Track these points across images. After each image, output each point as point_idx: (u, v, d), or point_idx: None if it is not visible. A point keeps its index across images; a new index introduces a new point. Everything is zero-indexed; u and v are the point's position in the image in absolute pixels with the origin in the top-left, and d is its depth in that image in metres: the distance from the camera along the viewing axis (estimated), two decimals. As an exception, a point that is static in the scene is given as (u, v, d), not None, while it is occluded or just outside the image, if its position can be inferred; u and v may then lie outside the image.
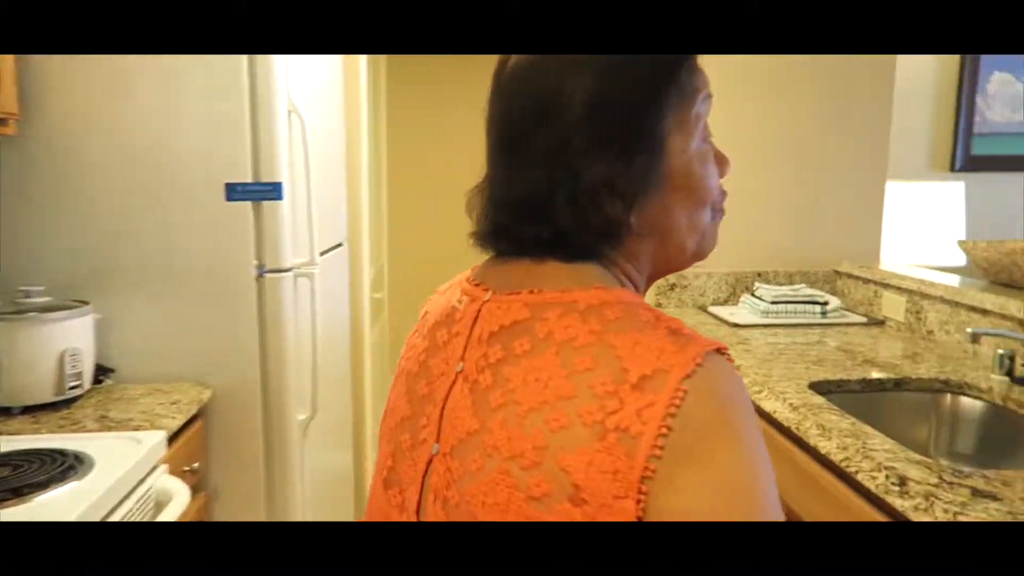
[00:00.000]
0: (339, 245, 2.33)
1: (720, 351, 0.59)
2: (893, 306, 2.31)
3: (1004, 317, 1.81)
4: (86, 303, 1.59)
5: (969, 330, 1.52)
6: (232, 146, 1.63)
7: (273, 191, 1.65)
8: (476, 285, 0.70)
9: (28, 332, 1.47)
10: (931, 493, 1.11)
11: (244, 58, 1.61)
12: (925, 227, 3.49)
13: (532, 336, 0.61)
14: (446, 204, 3.59)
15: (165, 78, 1.61)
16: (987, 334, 1.53)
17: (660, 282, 2.59)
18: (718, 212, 0.73)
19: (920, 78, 3.57)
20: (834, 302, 2.38)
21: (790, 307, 2.36)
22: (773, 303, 2.37)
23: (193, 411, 1.60)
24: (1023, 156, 3.59)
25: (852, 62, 2.56)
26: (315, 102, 1.95)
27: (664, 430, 0.54)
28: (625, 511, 0.54)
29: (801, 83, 2.57)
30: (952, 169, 3.62)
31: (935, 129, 3.62)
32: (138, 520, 1.26)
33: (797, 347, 2.03)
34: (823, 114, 2.59)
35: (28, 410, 1.51)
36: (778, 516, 0.56)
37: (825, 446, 1.37)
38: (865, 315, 2.41)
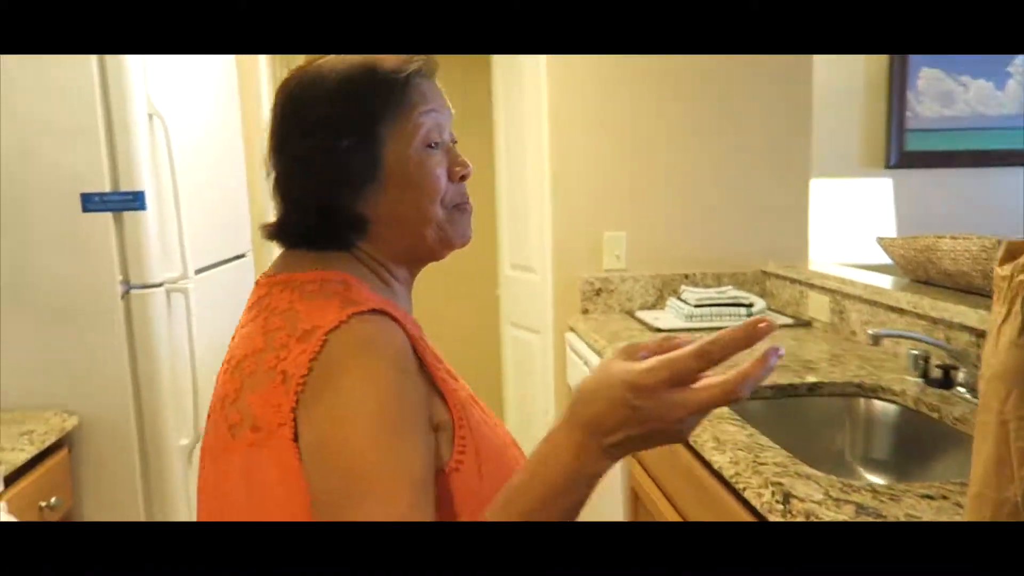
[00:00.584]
0: (241, 256, 2.21)
1: (376, 311, 0.74)
2: (818, 306, 2.24)
3: (919, 316, 1.75)
4: (-74, 328, 1.46)
5: (870, 331, 1.45)
6: (86, 154, 1.51)
7: (134, 200, 1.53)
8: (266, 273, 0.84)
9: None
10: (812, 512, 1.02)
11: (93, 58, 1.49)
12: (858, 224, 3.44)
13: (259, 308, 0.78)
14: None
15: (7, 83, 1.49)
16: (888, 335, 1.46)
17: (586, 288, 2.50)
18: (457, 208, 0.84)
19: (851, 74, 3.54)
20: (759, 304, 2.31)
21: (714, 310, 2.28)
22: (697, 306, 2.29)
23: (50, 441, 1.48)
24: (954, 152, 3.57)
25: (770, 58, 2.50)
26: (191, 103, 1.82)
27: (306, 370, 0.69)
28: (284, 437, 0.70)
29: (720, 81, 2.50)
30: (887, 165, 3.59)
31: (868, 125, 3.59)
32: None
33: (714, 352, 1.95)
34: (744, 112, 2.53)
35: None
36: (397, 447, 0.68)
37: (718, 460, 1.29)
38: (793, 316, 2.35)
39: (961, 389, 1.53)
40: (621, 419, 0.64)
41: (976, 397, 1.48)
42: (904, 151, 3.59)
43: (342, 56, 0.81)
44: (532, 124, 2.61)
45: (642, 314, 2.44)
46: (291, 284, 0.77)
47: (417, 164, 0.80)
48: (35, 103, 1.50)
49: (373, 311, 0.73)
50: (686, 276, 2.55)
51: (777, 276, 2.49)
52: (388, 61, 0.80)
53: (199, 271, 1.79)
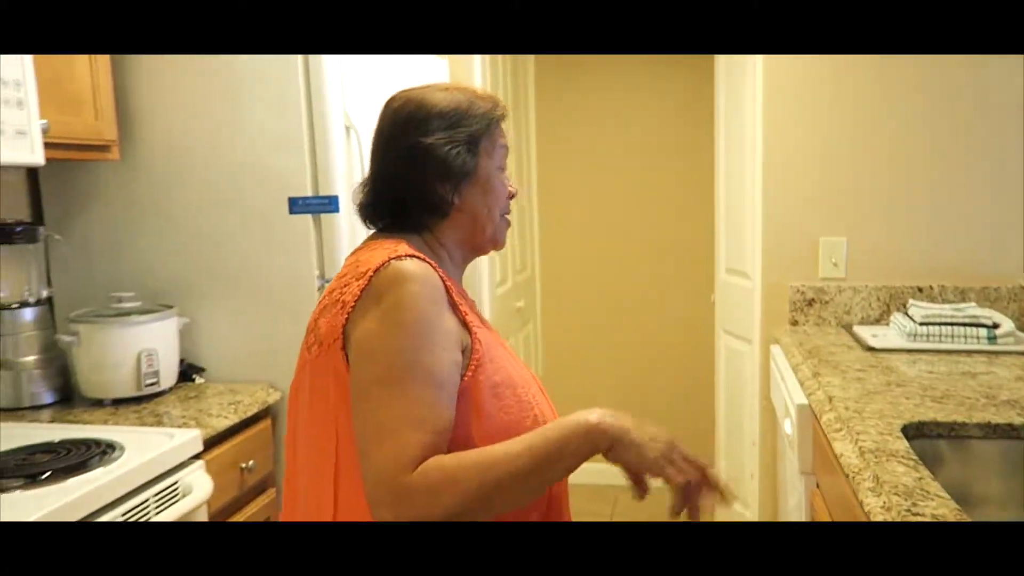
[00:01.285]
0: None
1: (413, 256, 0.94)
2: (1086, 332, 1.84)
3: None
4: (169, 307, 1.77)
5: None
6: (292, 161, 1.72)
7: (330, 204, 1.71)
8: None
9: (110, 334, 1.66)
10: None
11: (300, 72, 1.69)
12: None
13: (347, 267, 0.99)
14: (598, 210, 3.50)
15: (231, 97, 1.74)
16: None
17: (796, 298, 2.30)
18: (504, 218, 1.10)
19: None
20: (1007, 325, 1.95)
21: (945, 329, 1.97)
22: (922, 324, 1.99)
23: (252, 411, 1.70)
24: None
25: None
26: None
27: (357, 296, 0.92)
28: (336, 348, 0.92)
29: (960, 67, 2.14)
30: None
31: None
32: (155, 509, 1.36)
33: (929, 379, 1.69)
34: (990, 96, 2.14)
35: (117, 402, 1.70)
36: (425, 351, 0.89)
37: (869, 503, 1.12)
38: (1055, 342, 1.94)
39: None
40: (640, 434, 0.93)
41: None
42: None
43: (438, 85, 1.07)
44: (749, 123, 2.46)
45: (860, 329, 2.18)
46: (367, 248, 1.01)
47: (496, 177, 1.06)
48: (256, 115, 1.75)
49: (411, 256, 0.94)
50: (919, 289, 2.22)
51: (1040, 293, 2.08)
52: (482, 101, 1.05)
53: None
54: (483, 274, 2.61)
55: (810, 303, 2.30)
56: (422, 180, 1.00)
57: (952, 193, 2.19)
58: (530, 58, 3.36)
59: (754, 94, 2.37)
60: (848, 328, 2.23)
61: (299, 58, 1.70)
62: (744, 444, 2.64)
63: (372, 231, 1.08)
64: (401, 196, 1.02)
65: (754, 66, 2.37)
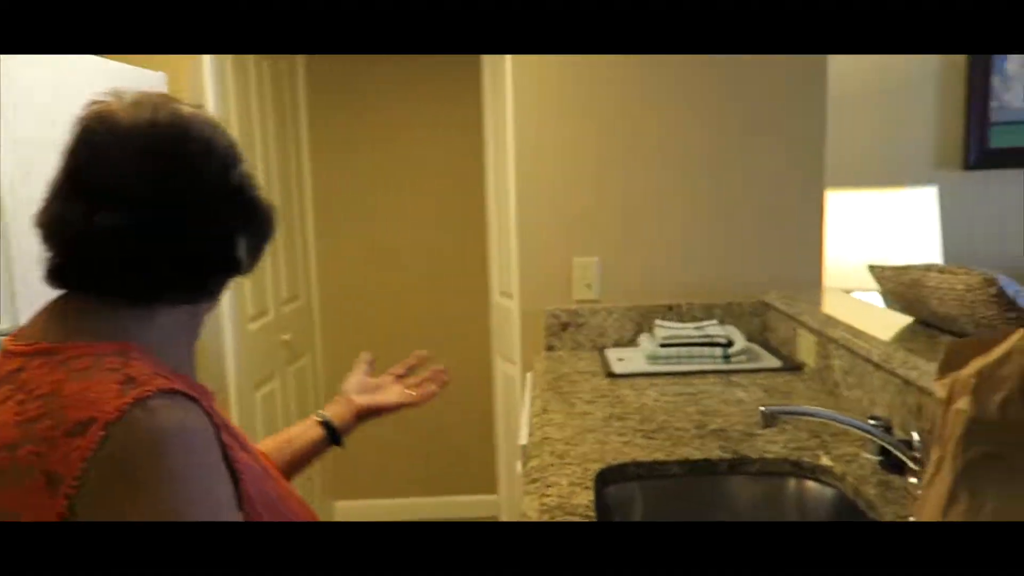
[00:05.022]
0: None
1: (167, 391, 0.66)
2: (807, 348, 1.85)
3: (891, 373, 1.36)
4: None
5: (761, 409, 1.09)
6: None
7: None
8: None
9: None
10: None
11: None
12: (899, 240, 2.90)
13: (12, 385, 0.69)
14: (378, 230, 3.30)
15: None
16: (784, 413, 1.10)
17: (551, 323, 2.21)
18: None
19: (920, 63, 3.02)
20: (740, 343, 1.94)
21: (683, 350, 1.93)
22: (663, 345, 1.95)
23: None
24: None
25: (775, 60, 2.11)
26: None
27: (80, 472, 0.61)
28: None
29: (712, 82, 2.14)
30: (965, 167, 3.04)
31: (943, 118, 3.05)
32: None
33: (654, 407, 1.62)
34: (744, 117, 2.15)
35: None
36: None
37: None
38: (787, 357, 1.95)
39: (913, 480, 1.14)
40: None
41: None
42: (987, 148, 3.02)
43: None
44: (503, 134, 2.35)
45: (610, 352, 2.12)
46: (54, 357, 0.68)
47: None
48: None
49: (163, 392, 0.66)
50: (670, 307, 2.20)
51: (775, 308, 2.10)
52: None
53: None
54: (223, 307, 2.35)
55: (564, 327, 2.22)
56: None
57: (697, 212, 2.18)
58: (299, 61, 3.11)
59: (505, 104, 2.27)
60: (601, 351, 2.16)
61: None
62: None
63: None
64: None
65: (503, 73, 2.26)
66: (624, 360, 2.01)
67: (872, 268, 1.64)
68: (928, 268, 1.43)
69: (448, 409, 3.28)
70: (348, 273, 3.32)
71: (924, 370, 1.23)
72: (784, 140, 2.16)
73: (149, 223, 0.73)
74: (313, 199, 3.24)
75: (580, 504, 1.16)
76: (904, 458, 1.11)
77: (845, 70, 2.71)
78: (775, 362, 1.92)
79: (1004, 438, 0.61)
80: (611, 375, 1.89)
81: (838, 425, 1.39)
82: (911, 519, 0.62)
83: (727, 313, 2.19)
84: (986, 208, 3.01)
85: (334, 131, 3.25)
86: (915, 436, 1.15)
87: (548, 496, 1.20)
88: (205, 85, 2.31)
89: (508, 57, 2.19)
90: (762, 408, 1.08)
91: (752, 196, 2.18)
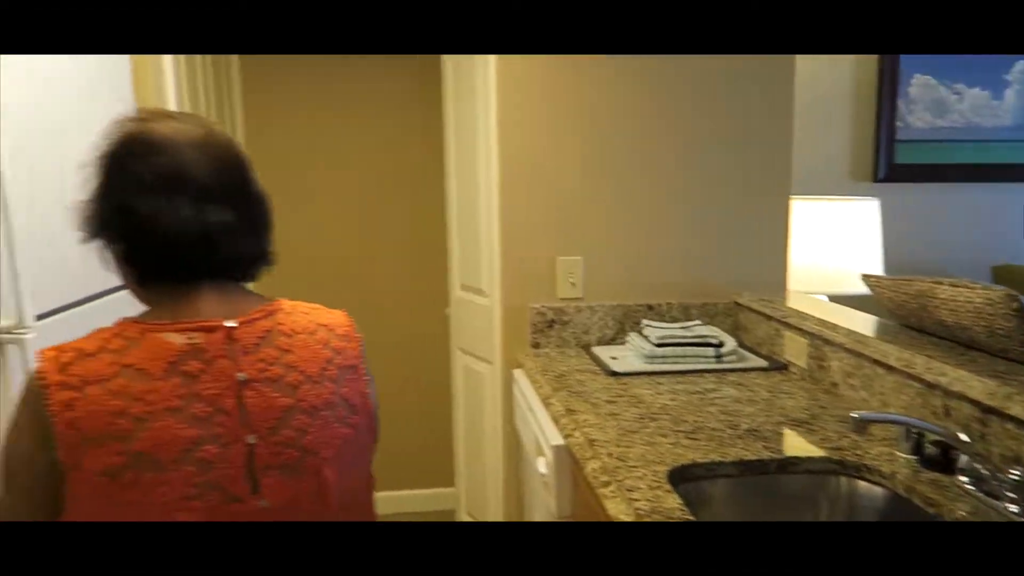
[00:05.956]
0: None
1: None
2: (796, 349, 1.98)
3: (911, 376, 1.49)
4: None
5: (854, 415, 1.18)
6: None
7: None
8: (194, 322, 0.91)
9: None
10: None
11: None
12: (842, 245, 3.18)
13: (304, 329, 0.98)
14: (327, 220, 3.18)
15: None
16: (875, 420, 1.19)
17: (537, 320, 2.22)
18: None
19: (836, 80, 3.28)
20: (730, 343, 2.04)
21: (678, 350, 2.01)
22: (659, 345, 2.02)
23: None
24: (947, 165, 3.33)
25: (744, 62, 2.23)
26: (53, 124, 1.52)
27: (361, 357, 1.03)
28: (371, 412, 1.02)
29: (688, 88, 2.23)
30: (874, 179, 3.34)
31: (854, 136, 3.33)
32: None
33: (676, 407, 1.68)
34: (715, 124, 2.25)
35: None
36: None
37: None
38: (768, 356, 2.08)
39: (963, 478, 1.27)
40: None
41: (982, 490, 1.23)
42: (893, 164, 3.34)
43: None
44: (481, 133, 2.33)
45: (599, 350, 2.17)
46: (281, 308, 1.02)
47: None
48: None
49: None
50: (650, 307, 2.27)
51: (751, 310, 2.23)
52: None
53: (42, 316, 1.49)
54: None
55: (550, 324, 2.24)
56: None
57: (672, 215, 2.27)
58: (233, 58, 2.92)
59: (487, 100, 2.25)
60: (587, 349, 2.21)
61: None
62: (487, 469, 2.54)
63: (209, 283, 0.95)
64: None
65: (485, 68, 2.24)
66: (618, 359, 2.07)
67: (866, 277, 1.79)
68: (936, 282, 1.58)
69: (405, 403, 3.22)
70: (297, 282, 3.17)
71: (953, 375, 1.36)
72: (752, 147, 2.28)
73: (249, 217, 0.96)
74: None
75: (673, 507, 1.20)
76: (968, 458, 1.23)
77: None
78: (760, 362, 2.03)
79: None
80: (613, 374, 1.94)
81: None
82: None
83: (703, 313, 2.29)
84: (895, 218, 3.32)
85: (270, 123, 3.08)
86: (963, 436, 1.27)
87: (637, 502, 1.22)
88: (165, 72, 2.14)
89: (492, 57, 2.18)
90: (854, 414, 1.16)
91: (721, 201, 2.29)
